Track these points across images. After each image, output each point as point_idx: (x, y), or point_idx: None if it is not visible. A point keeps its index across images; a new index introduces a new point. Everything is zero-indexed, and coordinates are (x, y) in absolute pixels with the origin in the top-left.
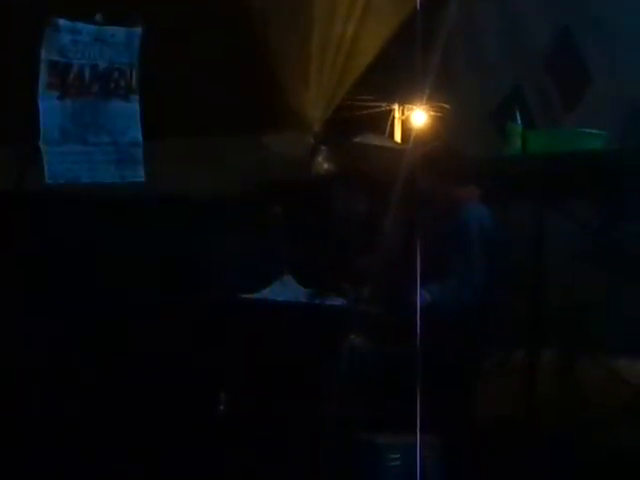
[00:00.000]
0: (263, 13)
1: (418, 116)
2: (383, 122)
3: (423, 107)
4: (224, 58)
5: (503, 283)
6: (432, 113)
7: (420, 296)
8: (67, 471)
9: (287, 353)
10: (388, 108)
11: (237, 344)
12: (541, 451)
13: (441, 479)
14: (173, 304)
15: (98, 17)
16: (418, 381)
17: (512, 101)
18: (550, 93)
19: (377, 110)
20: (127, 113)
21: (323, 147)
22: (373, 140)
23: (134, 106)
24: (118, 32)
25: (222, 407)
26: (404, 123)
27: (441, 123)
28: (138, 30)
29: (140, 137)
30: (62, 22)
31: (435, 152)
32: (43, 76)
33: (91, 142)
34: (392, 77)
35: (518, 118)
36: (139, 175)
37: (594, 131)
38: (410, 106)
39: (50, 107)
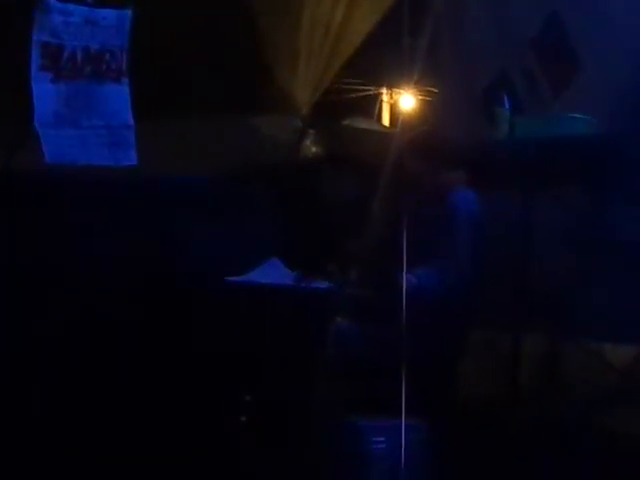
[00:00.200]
0: None
1: (406, 100)
2: (371, 106)
3: (411, 91)
4: (213, 41)
5: (490, 267)
6: (420, 97)
7: (406, 280)
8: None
9: (273, 336)
10: (376, 92)
11: (222, 327)
12: (526, 434)
13: (426, 462)
14: (157, 287)
15: None
16: (403, 364)
17: (500, 86)
18: (538, 78)
19: (365, 94)
20: (119, 96)
21: (311, 130)
22: (361, 123)
23: (125, 89)
24: (109, 14)
25: (207, 391)
26: (392, 107)
27: (429, 107)
28: (129, 12)
29: (132, 120)
30: (53, 3)
31: (423, 136)
32: (35, 57)
33: (85, 125)
34: (380, 61)
35: (506, 103)
36: (132, 158)
37: (582, 116)
38: (398, 90)
39: (44, 90)
